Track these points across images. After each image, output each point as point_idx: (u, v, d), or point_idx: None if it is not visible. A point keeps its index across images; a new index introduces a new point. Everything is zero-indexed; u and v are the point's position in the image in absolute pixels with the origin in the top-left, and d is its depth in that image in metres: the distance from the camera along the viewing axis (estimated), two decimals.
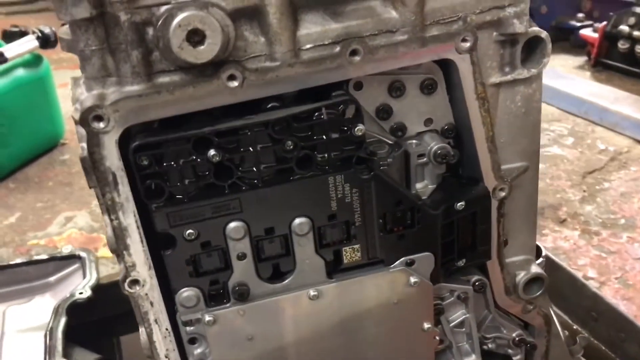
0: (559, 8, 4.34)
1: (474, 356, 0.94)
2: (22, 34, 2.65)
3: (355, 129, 0.71)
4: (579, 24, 4.20)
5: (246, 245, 0.73)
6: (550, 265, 1.82)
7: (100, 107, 0.64)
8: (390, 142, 0.81)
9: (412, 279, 0.81)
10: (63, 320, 1.52)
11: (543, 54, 0.84)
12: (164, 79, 0.66)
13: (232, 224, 0.71)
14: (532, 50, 0.85)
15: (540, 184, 2.79)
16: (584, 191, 2.61)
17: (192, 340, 0.81)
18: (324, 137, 0.70)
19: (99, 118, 0.65)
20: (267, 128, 0.68)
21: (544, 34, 0.83)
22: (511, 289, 0.97)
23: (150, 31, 0.64)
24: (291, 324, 0.79)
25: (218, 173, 0.69)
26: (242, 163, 0.69)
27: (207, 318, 0.76)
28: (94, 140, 0.66)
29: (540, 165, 2.85)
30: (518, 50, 0.82)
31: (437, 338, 0.88)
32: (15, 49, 2.56)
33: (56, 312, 1.53)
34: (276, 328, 0.79)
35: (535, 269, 0.98)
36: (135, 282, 0.75)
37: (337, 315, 0.81)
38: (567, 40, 4.29)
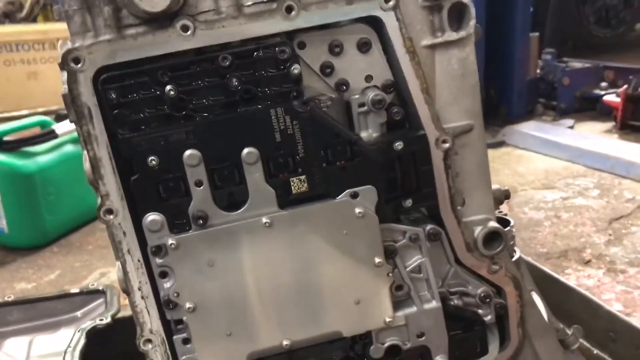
0: (581, 80, 4.46)
1: (433, 302, 0.97)
2: None
3: (292, 68, 0.84)
4: (602, 92, 4.28)
5: (202, 172, 0.84)
6: (564, 289, 1.80)
7: (77, 50, 0.80)
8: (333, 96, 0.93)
9: (357, 210, 0.89)
10: (82, 343, 1.61)
11: (469, 18, 0.96)
12: (130, 31, 0.82)
13: (188, 152, 0.83)
14: (460, 16, 0.97)
15: (564, 230, 2.76)
16: (610, 235, 2.57)
17: (163, 274, 0.89)
18: (264, 73, 0.83)
19: (76, 60, 0.81)
20: (214, 64, 0.82)
21: None
22: (472, 245, 1.02)
23: None
24: (248, 252, 0.88)
25: (174, 106, 0.82)
26: (194, 96, 0.83)
27: (170, 241, 0.85)
28: (72, 79, 0.81)
29: (564, 214, 2.83)
30: (444, 15, 0.95)
31: (391, 275, 0.93)
32: (65, 127, 2.87)
33: (75, 336, 1.63)
34: (235, 255, 0.87)
35: (493, 224, 1.03)
36: (109, 211, 0.86)
37: (292, 245, 0.88)
38: (594, 110, 4.36)
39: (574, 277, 2.27)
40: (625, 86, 3.88)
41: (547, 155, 3.62)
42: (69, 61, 0.80)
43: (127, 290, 0.90)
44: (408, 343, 0.97)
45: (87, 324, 1.67)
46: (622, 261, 2.35)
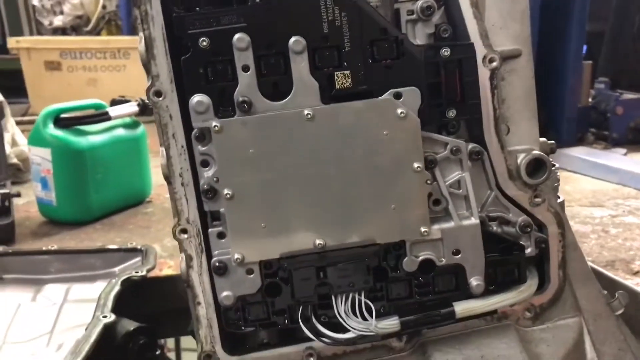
0: (636, 110, 4.35)
1: (472, 219, 0.95)
2: (127, 101, 3.09)
3: None
4: None
5: (249, 57, 0.86)
6: (606, 281, 1.72)
7: None
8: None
9: (399, 110, 0.89)
10: (117, 289, 1.63)
11: None
12: None
13: (238, 35, 0.86)
14: None
15: (611, 243, 2.68)
16: None
17: (204, 163, 0.91)
18: None
19: None
20: None
21: None
22: (514, 172, 1.01)
23: None
24: (288, 143, 0.89)
25: None
26: None
27: (214, 124, 0.87)
28: None
29: (613, 230, 2.75)
30: None
31: (429, 183, 0.92)
32: (119, 110, 2.98)
33: (110, 283, 1.66)
34: (275, 145, 0.88)
35: (537, 152, 1.01)
36: (158, 93, 0.89)
37: (331, 140, 0.89)
38: None
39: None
40: None
41: (596, 178, 3.52)
42: None
43: (168, 177, 0.92)
44: (443, 259, 0.95)
45: (124, 275, 1.70)
46: None
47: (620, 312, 1.20)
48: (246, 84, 0.87)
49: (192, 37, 0.86)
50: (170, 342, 3.28)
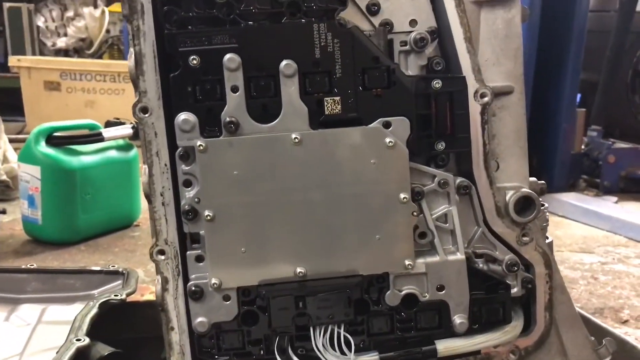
0: (628, 159, 4.38)
1: (458, 254, 0.93)
2: (120, 124, 3.08)
3: None
4: None
5: (239, 77, 0.85)
6: (595, 328, 1.69)
7: None
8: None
9: (388, 139, 0.88)
10: (94, 312, 1.59)
11: None
12: None
13: (228, 55, 0.85)
14: None
15: (601, 290, 2.66)
16: None
17: (187, 183, 0.89)
18: None
19: None
20: None
21: None
22: (502, 209, 0.99)
23: None
24: (274, 165, 0.87)
25: (222, 10, 0.85)
26: (242, 3, 0.85)
27: (199, 143, 0.85)
28: None
29: (602, 277, 2.74)
30: None
31: (415, 214, 0.91)
32: (113, 132, 2.97)
33: (88, 305, 1.61)
34: (260, 168, 0.87)
35: (526, 189, 1.00)
36: (144, 109, 0.88)
37: (318, 165, 0.87)
38: (639, 193, 4.24)
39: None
40: None
41: (587, 224, 3.51)
42: None
43: (149, 195, 0.90)
44: (427, 295, 0.93)
45: (103, 298, 1.66)
46: None
47: (608, 359, 1.17)
48: (234, 105, 0.86)
49: (183, 55, 0.85)
50: None
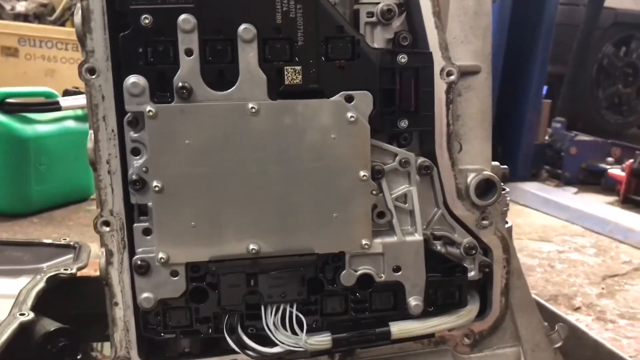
0: (588, 152, 4.46)
1: (415, 235, 0.91)
2: (80, 93, 2.97)
3: None
4: (608, 167, 4.28)
5: (194, 40, 0.80)
6: (549, 315, 1.71)
7: None
8: None
9: (350, 114, 0.84)
10: (40, 286, 1.52)
11: None
12: None
13: (183, 15, 0.80)
14: None
15: (556, 278, 2.69)
16: (603, 289, 2.49)
17: (135, 151, 0.84)
18: None
19: None
20: None
21: None
22: (463, 191, 0.97)
23: None
24: (228, 137, 0.82)
25: None
26: None
27: (149, 108, 0.80)
28: None
29: (558, 266, 2.77)
30: None
31: (374, 193, 0.88)
32: (70, 101, 2.86)
33: (35, 279, 1.54)
34: (213, 137, 0.82)
35: (488, 172, 0.98)
36: (91, 70, 0.82)
37: (276, 138, 0.83)
38: (597, 184, 4.33)
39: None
40: (631, 160, 3.87)
41: (547, 214, 3.57)
42: None
43: (94, 162, 0.85)
44: (382, 275, 0.90)
45: (51, 271, 1.59)
46: (612, 312, 2.26)
47: (558, 344, 1.17)
48: (188, 69, 0.81)
49: (134, 14, 0.79)
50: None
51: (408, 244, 0.90)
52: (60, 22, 6.87)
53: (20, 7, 6.74)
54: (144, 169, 0.82)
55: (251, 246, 0.85)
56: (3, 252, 1.80)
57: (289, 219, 0.85)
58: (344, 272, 0.89)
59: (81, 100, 2.94)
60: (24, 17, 6.82)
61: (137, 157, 0.84)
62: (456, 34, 0.97)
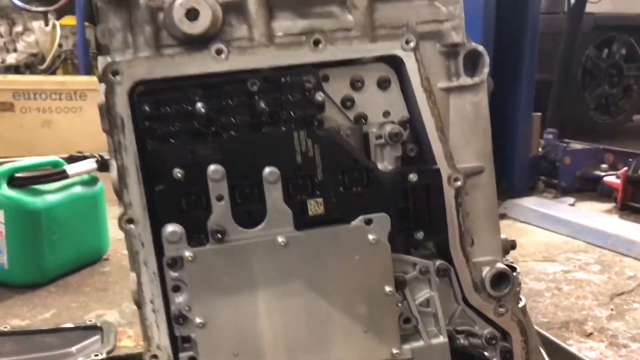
0: (582, 160, 4.54)
1: (440, 337, 0.98)
2: (85, 157, 3.03)
3: (316, 95, 0.89)
4: (602, 174, 4.36)
5: (224, 187, 0.87)
6: (566, 356, 1.78)
7: (117, 64, 0.85)
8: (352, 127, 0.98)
9: (370, 236, 0.91)
10: None
11: (483, 65, 1.02)
12: (168, 50, 0.88)
13: (212, 167, 0.87)
14: (474, 63, 1.03)
15: (565, 302, 2.76)
16: (612, 310, 2.55)
17: (176, 288, 0.91)
18: (290, 97, 0.88)
19: (115, 72, 0.86)
20: (244, 85, 0.87)
21: (480, 48, 1.02)
22: (479, 285, 1.04)
23: (161, 15, 0.88)
24: (262, 270, 0.89)
25: (203, 122, 0.87)
26: (223, 115, 0.87)
27: (187, 254, 0.87)
28: (109, 90, 0.86)
29: (566, 287, 2.84)
30: (460, 61, 1.01)
31: (400, 305, 0.94)
32: (77, 168, 2.92)
33: None
34: (248, 272, 0.89)
35: (500, 265, 1.05)
36: (130, 220, 0.89)
37: (304, 267, 0.90)
38: (594, 191, 4.41)
39: (576, 349, 2.23)
40: (625, 168, 3.95)
41: (548, 230, 3.64)
42: (108, 73, 0.85)
43: (139, 303, 0.91)
44: None
45: (82, 359, 1.65)
46: (624, 336, 2.32)
47: None
48: (220, 213, 0.88)
49: (167, 169, 0.86)
50: None
51: (434, 346, 0.97)
52: (52, 70, 6.94)
53: (11, 59, 6.82)
54: (186, 307, 0.89)
55: None
56: (33, 339, 1.85)
57: (323, 338, 0.92)
58: None
59: (86, 165, 3.00)
60: (15, 69, 6.90)
61: (178, 293, 0.91)
62: (458, 139, 1.04)
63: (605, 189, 4.20)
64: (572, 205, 4.13)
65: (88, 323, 1.89)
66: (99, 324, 1.86)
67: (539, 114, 4.71)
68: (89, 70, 6.97)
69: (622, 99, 6.08)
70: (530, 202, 4.03)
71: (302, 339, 0.91)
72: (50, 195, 2.82)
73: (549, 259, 3.19)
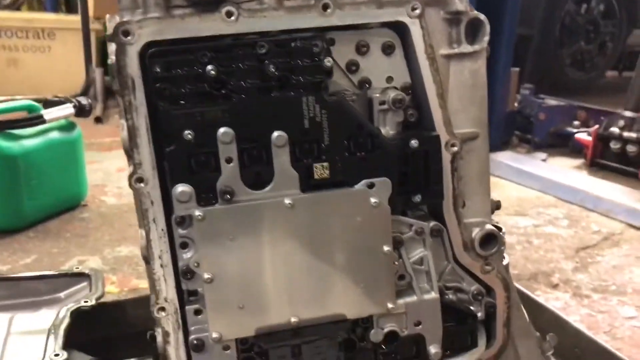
0: (556, 116, 4.64)
1: (432, 293, 1.04)
2: (62, 102, 2.97)
3: (325, 60, 0.91)
4: (575, 130, 4.47)
5: (233, 149, 0.89)
6: (534, 305, 1.89)
7: (128, 23, 0.85)
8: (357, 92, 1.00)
9: (373, 199, 0.95)
10: (66, 322, 1.61)
11: (484, 33, 1.04)
12: (177, 11, 0.87)
13: (222, 129, 0.88)
14: (475, 31, 1.05)
15: (535, 255, 2.88)
16: (577, 262, 2.69)
17: (184, 245, 0.94)
18: (299, 62, 0.89)
19: (126, 33, 0.85)
20: (254, 49, 0.88)
21: (482, 16, 1.04)
22: (469, 244, 1.10)
23: None
24: (268, 230, 0.93)
25: (214, 85, 0.88)
26: (233, 78, 0.88)
27: (197, 213, 0.90)
28: (120, 50, 0.85)
29: (535, 241, 2.95)
30: (462, 29, 1.03)
31: (396, 263, 1.00)
32: (54, 113, 2.86)
33: (59, 315, 1.63)
34: (255, 231, 0.92)
35: (489, 226, 1.11)
36: (140, 179, 0.90)
37: (309, 227, 0.94)
38: (566, 147, 4.54)
39: (543, 299, 2.36)
40: (597, 126, 4.06)
41: (521, 184, 3.76)
42: (119, 33, 0.85)
43: (147, 258, 0.94)
44: (405, 330, 1.03)
45: (72, 305, 1.68)
46: (587, 287, 2.46)
47: (551, 352, 1.34)
48: (229, 175, 0.90)
49: (178, 130, 0.88)
50: None
51: (426, 301, 1.03)
52: (15, 6, 6.65)
53: None
54: (195, 264, 0.93)
55: (292, 319, 0.97)
56: (19, 285, 1.87)
57: (323, 293, 0.97)
58: (372, 330, 1.02)
59: (64, 110, 2.95)
60: None
61: (186, 249, 0.94)
62: (456, 105, 1.07)
63: (577, 146, 4.32)
64: (545, 160, 4.25)
65: (75, 270, 1.91)
66: (86, 271, 1.88)
67: (517, 69, 4.76)
68: (56, 6, 6.70)
69: (597, 55, 6.16)
70: (504, 157, 4.14)
71: (304, 293, 0.96)
72: (27, 140, 2.78)
73: (520, 213, 3.31)
